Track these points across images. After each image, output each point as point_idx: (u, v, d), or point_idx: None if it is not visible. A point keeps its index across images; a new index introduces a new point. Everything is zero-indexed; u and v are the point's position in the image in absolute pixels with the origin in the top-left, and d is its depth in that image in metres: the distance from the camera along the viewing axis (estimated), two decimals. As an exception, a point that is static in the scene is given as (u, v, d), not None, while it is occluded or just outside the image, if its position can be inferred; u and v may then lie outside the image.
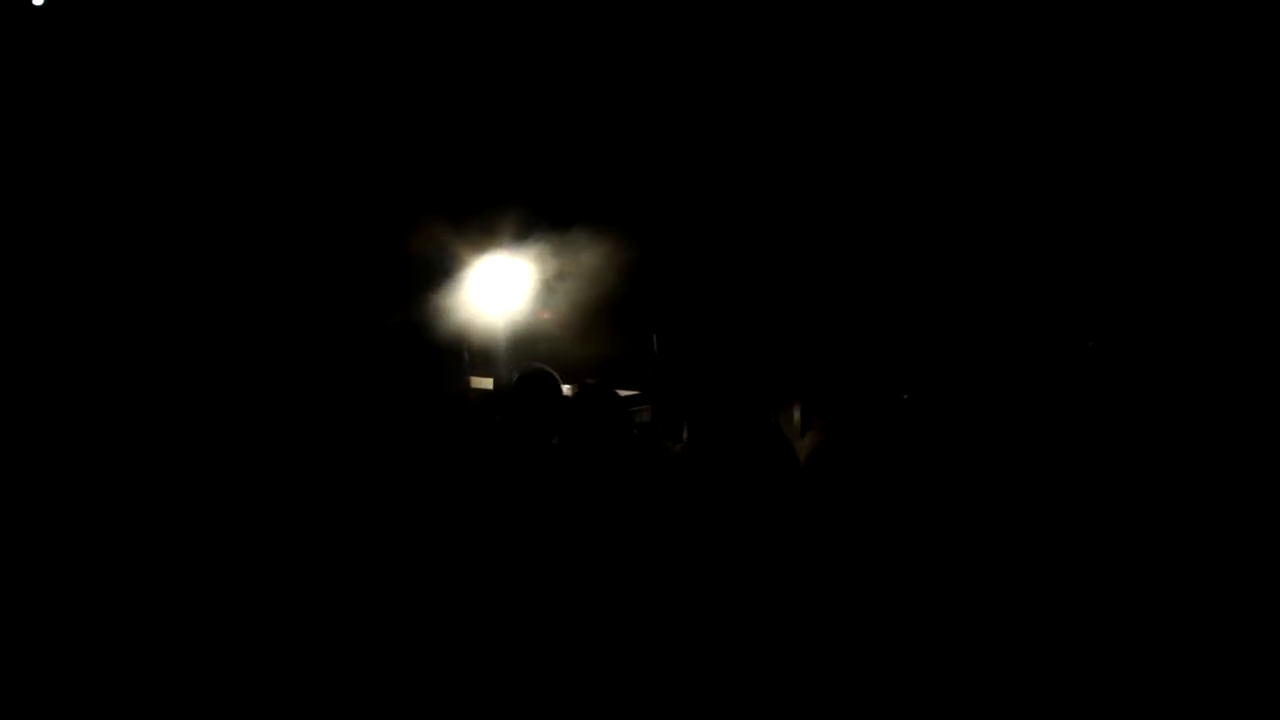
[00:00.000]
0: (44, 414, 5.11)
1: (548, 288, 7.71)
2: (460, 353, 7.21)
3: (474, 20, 6.97)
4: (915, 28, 6.66)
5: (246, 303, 6.25)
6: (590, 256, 7.51)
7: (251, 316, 6.20)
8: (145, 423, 5.28)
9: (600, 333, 7.42)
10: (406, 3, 6.88)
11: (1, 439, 4.89)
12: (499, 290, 7.64)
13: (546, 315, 7.87)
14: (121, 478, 4.81)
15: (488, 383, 7.47)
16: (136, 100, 6.16)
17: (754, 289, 7.95)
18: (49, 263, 5.69)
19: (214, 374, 5.71)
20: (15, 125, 5.78)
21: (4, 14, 5.72)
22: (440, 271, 7.37)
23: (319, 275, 6.67)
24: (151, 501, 4.72)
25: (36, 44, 5.84)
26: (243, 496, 4.73)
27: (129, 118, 6.14)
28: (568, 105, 7.44)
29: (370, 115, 7.05)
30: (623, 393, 8.98)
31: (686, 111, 7.48)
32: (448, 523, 3.11)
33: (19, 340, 5.32)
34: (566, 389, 3.33)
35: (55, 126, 5.90)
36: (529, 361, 3.47)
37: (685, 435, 2.98)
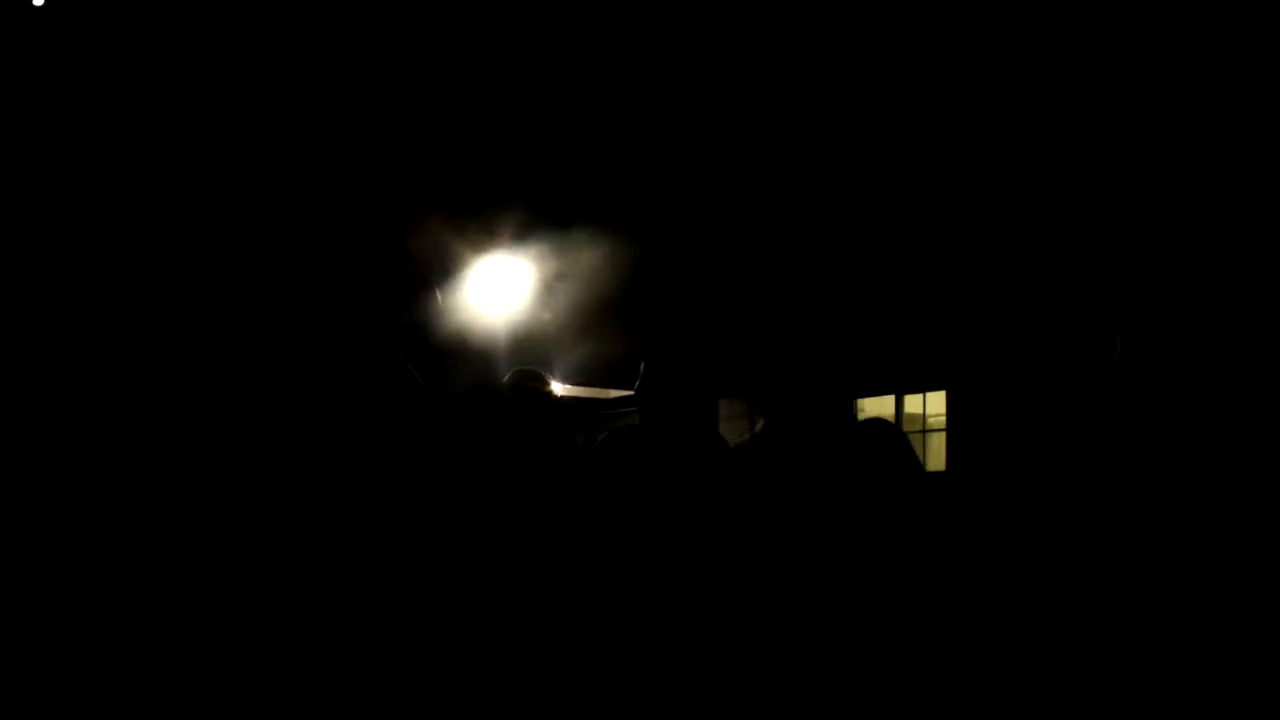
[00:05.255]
0: (43, 415, 5.11)
1: (548, 288, 7.72)
2: (461, 353, 7.23)
3: (474, 22, 6.97)
4: (903, 31, 6.65)
5: (245, 302, 6.25)
6: (590, 257, 7.52)
7: (250, 316, 6.20)
8: (143, 423, 5.28)
9: (600, 333, 7.43)
10: (407, 4, 6.88)
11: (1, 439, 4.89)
12: (499, 290, 7.66)
13: (547, 315, 7.89)
14: (118, 478, 4.81)
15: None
16: (136, 100, 6.17)
17: (746, 288, 7.97)
18: (48, 262, 5.70)
19: (211, 374, 5.71)
20: (15, 125, 5.78)
21: (4, 14, 5.73)
22: (440, 272, 7.38)
23: (319, 275, 6.67)
24: (150, 501, 4.72)
25: (36, 44, 5.84)
26: (240, 498, 4.73)
27: (129, 117, 6.15)
28: (567, 106, 7.45)
29: (371, 116, 7.05)
30: (614, 393, 9.03)
31: (684, 113, 7.48)
32: (446, 524, 3.11)
33: (17, 340, 5.33)
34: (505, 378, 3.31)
35: (55, 126, 5.91)
36: (523, 366, 3.44)
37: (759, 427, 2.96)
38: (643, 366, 2.50)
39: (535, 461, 3.06)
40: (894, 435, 2.50)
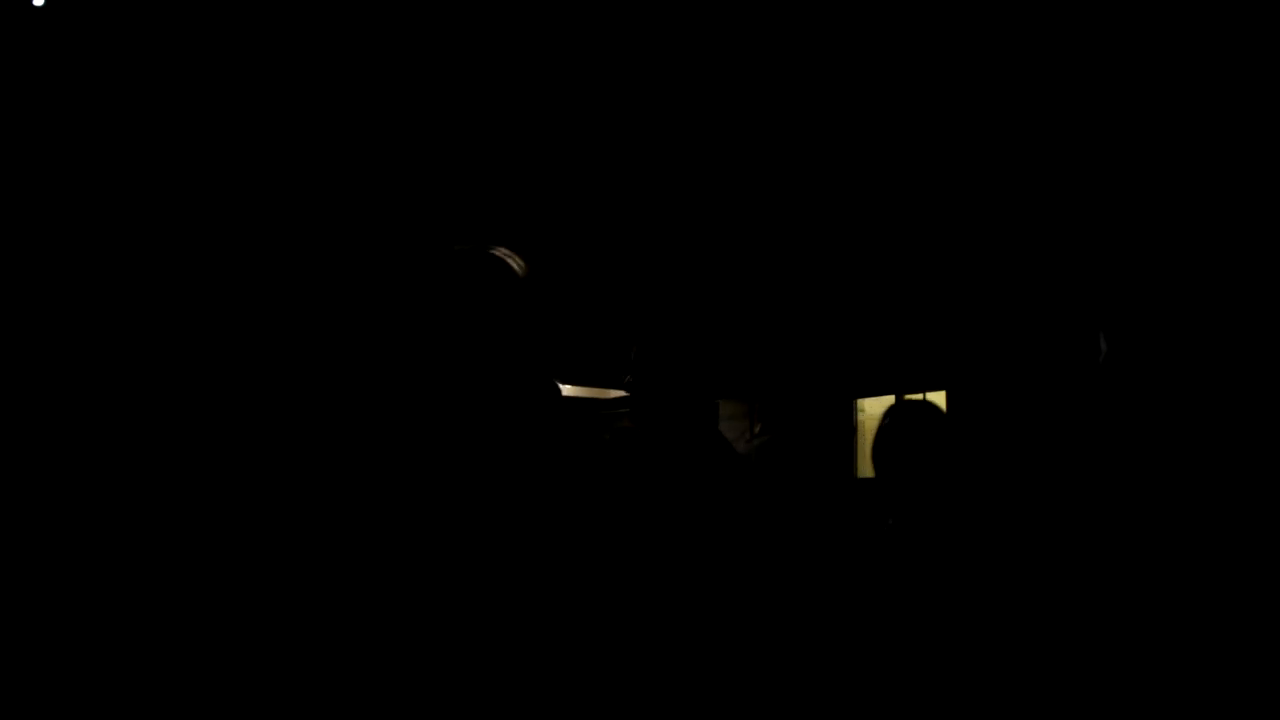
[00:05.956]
0: (43, 415, 5.11)
1: (547, 287, 7.71)
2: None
3: (474, 21, 6.97)
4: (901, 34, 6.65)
5: (248, 304, 6.25)
6: (588, 256, 7.52)
7: (253, 318, 6.20)
8: (154, 425, 5.28)
9: (599, 332, 7.43)
10: (406, 3, 6.89)
11: (2, 439, 4.89)
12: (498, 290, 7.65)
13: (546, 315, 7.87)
14: (130, 478, 4.81)
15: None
16: (137, 101, 6.17)
17: (733, 291, 7.97)
18: (48, 263, 5.70)
19: (218, 377, 5.72)
20: (15, 125, 5.79)
21: (4, 14, 5.73)
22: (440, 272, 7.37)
23: (320, 276, 6.67)
24: (159, 503, 4.72)
25: (36, 44, 5.85)
26: (250, 497, 4.73)
27: (129, 118, 6.15)
28: (566, 105, 7.45)
29: (371, 117, 7.06)
30: (613, 393, 9.04)
31: (683, 112, 7.48)
32: (458, 523, 3.10)
33: (18, 341, 5.33)
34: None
35: (55, 127, 5.91)
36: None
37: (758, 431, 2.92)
38: (634, 353, 2.44)
39: (558, 461, 3.02)
40: (936, 416, 2.52)
